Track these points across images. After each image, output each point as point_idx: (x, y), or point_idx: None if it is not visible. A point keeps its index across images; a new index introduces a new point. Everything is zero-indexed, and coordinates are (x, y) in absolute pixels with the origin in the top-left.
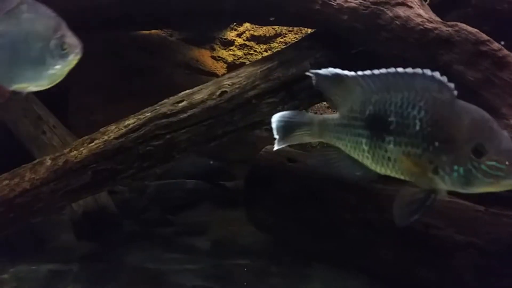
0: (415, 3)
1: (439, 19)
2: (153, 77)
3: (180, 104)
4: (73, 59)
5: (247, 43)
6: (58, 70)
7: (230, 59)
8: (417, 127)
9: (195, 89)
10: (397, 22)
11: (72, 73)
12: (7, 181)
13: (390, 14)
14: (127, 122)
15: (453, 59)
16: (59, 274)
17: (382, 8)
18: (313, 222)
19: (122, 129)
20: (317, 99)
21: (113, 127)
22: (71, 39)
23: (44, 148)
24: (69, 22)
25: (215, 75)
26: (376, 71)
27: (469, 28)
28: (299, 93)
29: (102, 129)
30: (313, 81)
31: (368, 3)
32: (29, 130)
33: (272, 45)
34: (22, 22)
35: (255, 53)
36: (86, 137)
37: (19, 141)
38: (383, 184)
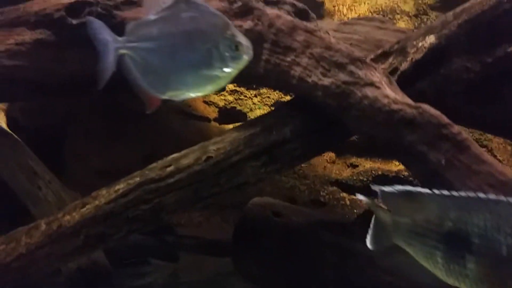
0: (383, 83)
1: (405, 100)
2: (148, 122)
3: (168, 169)
4: (245, 60)
5: (237, 89)
6: (228, 73)
7: (221, 104)
8: (504, 253)
9: (182, 153)
10: (366, 102)
11: (67, 119)
12: (3, 246)
13: (359, 94)
14: (117, 187)
15: (417, 140)
16: None
17: (352, 88)
18: (296, 277)
19: (112, 194)
20: (298, 161)
21: (104, 191)
22: (243, 39)
23: (39, 203)
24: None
25: (207, 119)
26: (454, 193)
27: (432, 111)
28: (280, 157)
29: (93, 194)
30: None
31: (340, 82)
32: (25, 186)
33: (261, 90)
34: (183, 21)
35: (245, 98)
36: (79, 201)
37: (16, 194)
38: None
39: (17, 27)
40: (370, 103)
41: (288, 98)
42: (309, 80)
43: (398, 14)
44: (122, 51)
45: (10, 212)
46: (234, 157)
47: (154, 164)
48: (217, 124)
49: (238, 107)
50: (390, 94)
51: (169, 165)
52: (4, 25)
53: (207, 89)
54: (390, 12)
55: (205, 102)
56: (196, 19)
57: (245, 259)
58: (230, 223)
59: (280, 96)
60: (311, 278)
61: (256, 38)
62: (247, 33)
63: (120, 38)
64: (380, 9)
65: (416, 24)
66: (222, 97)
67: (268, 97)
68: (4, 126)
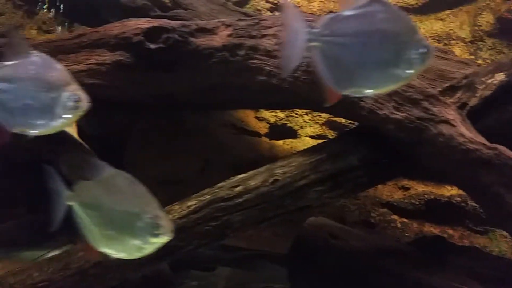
0: (458, 121)
1: (481, 140)
2: (202, 136)
3: (236, 189)
4: (425, 65)
5: None
6: (410, 74)
7: (272, 120)
8: None
9: (250, 174)
10: (441, 139)
11: (127, 130)
12: (82, 253)
13: (434, 131)
14: (189, 203)
15: (493, 181)
16: None
17: (426, 124)
18: None
19: (185, 210)
20: (362, 188)
21: (177, 207)
22: (427, 44)
23: None
24: None
25: (258, 134)
26: None
27: (509, 152)
28: (345, 183)
29: (167, 208)
30: None
31: (413, 117)
32: None
33: None
34: (377, 20)
35: (296, 115)
36: None
37: None
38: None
39: (98, 48)
40: (445, 141)
41: (339, 118)
42: (380, 112)
43: (453, 40)
44: (314, 43)
45: None
46: (300, 182)
47: (222, 183)
48: (267, 140)
49: (289, 124)
50: (465, 132)
51: (237, 185)
52: (87, 46)
53: (388, 88)
54: (445, 38)
55: (257, 117)
56: (390, 20)
57: (300, 276)
58: (281, 237)
59: (331, 116)
60: None
61: None
62: None
63: (314, 30)
64: (436, 34)
65: (472, 50)
66: (274, 114)
67: (319, 115)
68: (75, 135)
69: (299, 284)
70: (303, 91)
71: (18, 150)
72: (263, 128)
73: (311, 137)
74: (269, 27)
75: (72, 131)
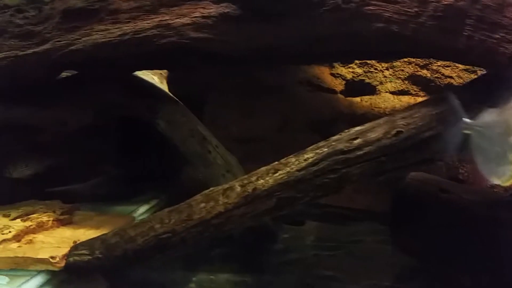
0: None
1: None
2: (279, 94)
3: (355, 141)
4: None
5: (367, 60)
6: None
7: (349, 76)
8: None
9: (367, 126)
10: None
11: (206, 89)
12: (203, 204)
13: None
14: (306, 156)
15: None
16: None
17: None
18: (464, 256)
19: (302, 163)
20: None
21: (293, 159)
22: None
23: (209, 165)
24: None
25: (334, 91)
26: None
27: None
28: None
29: (283, 161)
30: None
31: None
32: (196, 149)
33: (394, 63)
34: None
35: (376, 71)
36: (270, 167)
37: (185, 157)
38: None
39: (203, 0)
40: None
41: (424, 71)
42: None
43: None
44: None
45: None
46: (426, 133)
47: (338, 136)
48: (342, 97)
49: (367, 80)
50: None
51: (356, 138)
52: None
53: None
54: None
55: (332, 74)
56: None
57: (405, 233)
58: (362, 193)
59: (415, 70)
60: (487, 259)
61: (456, 13)
62: (446, 8)
63: (469, 121)
64: None
65: None
66: (350, 70)
67: (402, 70)
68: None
69: (403, 240)
70: (428, 39)
71: (113, 106)
72: (338, 85)
73: (392, 93)
74: None
75: (165, 87)
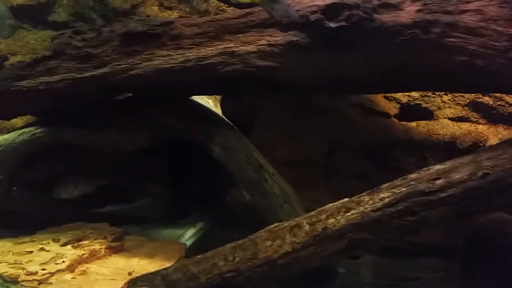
0: None
1: None
2: (330, 116)
3: (437, 182)
4: None
5: None
6: None
7: (404, 99)
8: None
9: (448, 165)
10: None
11: (255, 110)
12: (270, 242)
13: None
14: (381, 195)
15: None
16: None
17: None
18: None
19: (378, 202)
20: None
21: (367, 198)
22: None
23: (266, 195)
24: None
25: (388, 115)
26: None
27: None
28: None
29: (355, 199)
30: None
31: None
32: (252, 177)
33: None
34: None
35: (433, 95)
36: (340, 204)
37: (240, 185)
38: None
39: (269, 28)
40: None
41: (486, 98)
42: None
43: None
44: None
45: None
46: None
47: (416, 175)
48: (397, 121)
49: (424, 104)
50: None
51: (438, 178)
52: (256, 26)
53: None
54: None
55: (386, 97)
56: None
57: (478, 271)
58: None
59: (476, 96)
60: None
61: None
62: None
63: None
64: None
65: None
66: (406, 93)
67: (462, 96)
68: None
69: (476, 281)
70: None
71: (167, 130)
72: (392, 108)
73: (451, 119)
74: (469, 2)
75: (219, 111)
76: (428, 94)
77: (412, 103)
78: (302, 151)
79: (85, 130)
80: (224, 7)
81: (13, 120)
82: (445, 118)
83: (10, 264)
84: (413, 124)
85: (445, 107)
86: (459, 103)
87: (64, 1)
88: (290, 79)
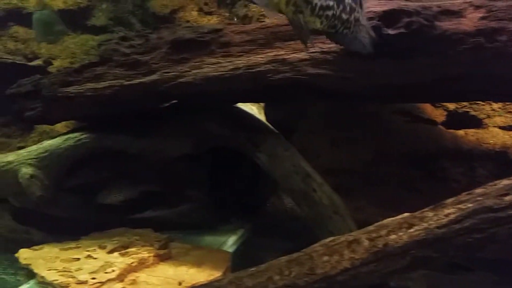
0: None
1: None
2: (374, 124)
3: (506, 198)
4: None
5: None
6: None
7: (451, 107)
8: None
9: None
10: None
11: (297, 116)
12: (326, 257)
13: None
14: (446, 211)
15: None
16: None
17: None
18: None
19: (442, 219)
20: None
21: (431, 214)
22: None
23: (314, 206)
24: None
25: (434, 123)
26: None
27: None
28: None
29: (417, 214)
30: None
31: None
32: (300, 187)
33: None
34: None
35: (482, 103)
36: (401, 220)
37: (290, 194)
38: None
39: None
40: None
41: None
42: None
43: None
44: None
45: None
46: None
47: (483, 190)
48: (444, 129)
49: (472, 112)
50: None
51: (507, 194)
52: None
53: None
54: None
55: (432, 104)
56: None
57: None
58: None
59: None
60: None
61: None
62: None
63: None
64: None
65: None
66: None
67: None
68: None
69: None
70: None
71: (212, 137)
72: (439, 115)
73: (502, 128)
74: None
75: (263, 118)
76: (477, 102)
77: (460, 111)
78: (344, 159)
79: (130, 136)
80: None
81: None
82: (495, 126)
83: (59, 271)
84: (461, 132)
85: (495, 115)
86: (510, 111)
87: (103, 5)
88: (343, 87)
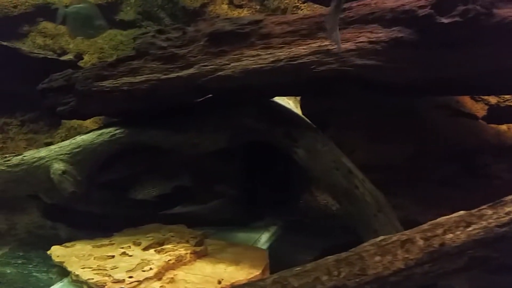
0: None
1: None
2: (412, 118)
3: None
4: None
5: None
6: None
7: (493, 101)
8: None
9: None
10: None
11: (330, 110)
12: (378, 257)
13: None
14: (507, 209)
15: None
16: None
17: None
18: None
19: (503, 217)
20: None
21: (490, 212)
22: None
23: (357, 203)
24: None
25: (475, 117)
26: None
27: None
28: None
29: (475, 212)
30: None
31: None
32: (341, 183)
33: None
34: None
35: None
36: (458, 218)
37: (330, 191)
38: None
39: (369, 24)
40: None
41: None
42: None
43: None
44: None
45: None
46: None
47: None
48: (485, 124)
49: None
50: None
51: None
52: (354, 22)
53: None
54: None
55: (473, 97)
56: None
57: None
58: None
59: None
60: None
61: None
62: None
63: None
64: None
65: None
66: None
67: None
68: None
69: None
70: None
71: (248, 131)
72: (480, 110)
73: None
74: None
75: (299, 112)
76: None
77: (502, 105)
78: (382, 154)
79: (165, 131)
80: (298, 4)
81: (80, 120)
82: None
83: (94, 270)
84: (504, 127)
85: None
86: None
87: (132, 0)
88: (392, 79)
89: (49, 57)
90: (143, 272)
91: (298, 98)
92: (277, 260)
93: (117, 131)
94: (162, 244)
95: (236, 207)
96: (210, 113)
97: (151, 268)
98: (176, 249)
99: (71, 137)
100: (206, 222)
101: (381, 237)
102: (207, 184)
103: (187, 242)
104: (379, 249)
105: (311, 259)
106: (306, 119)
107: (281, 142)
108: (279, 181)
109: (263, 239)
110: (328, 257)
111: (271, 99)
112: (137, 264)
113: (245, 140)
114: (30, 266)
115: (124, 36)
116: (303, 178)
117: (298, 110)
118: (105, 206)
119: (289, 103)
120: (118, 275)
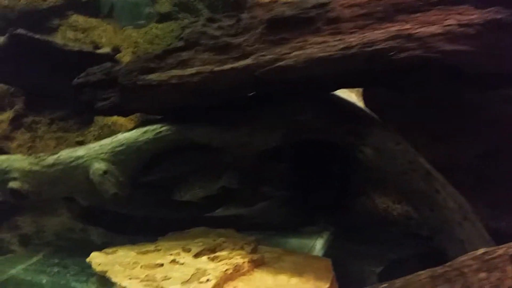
0: None
1: None
2: (483, 114)
3: None
4: None
5: None
6: None
7: None
8: None
9: None
10: None
11: (388, 105)
12: (483, 274)
13: None
14: None
15: None
16: None
17: None
18: None
19: None
20: None
21: None
22: None
23: (437, 209)
24: None
25: None
26: None
27: None
28: None
29: None
30: None
31: None
32: (420, 186)
33: None
34: None
35: None
36: None
37: (405, 195)
38: None
39: (457, 4)
40: None
41: None
42: None
43: None
44: None
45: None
46: None
47: None
48: None
49: None
50: None
51: None
52: (439, 3)
53: None
54: None
55: None
56: None
57: None
58: None
59: None
60: None
61: None
62: None
63: None
64: None
65: None
66: None
67: None
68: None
69: None
70: None
71: (306, 129)
72: None
73: None
74: None
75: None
76: None
77: None
78: (449, 154)
79: (215, 128)
80: None
81: (114, 118)
82: None
83: (142, 280)
84: None
85: None
86: None
87: None
88: (491, 67)
89: (84, 50)
90: (200, 284)
91: (361, 90)
92: (339, 270)
93: (163, 128)
94: (214, 251)
95: (285, 210)
96: (263, 109)
97: (208, 280)
98: (232, 257)
99: (104, 136)
100: (251, 226)
101: (483, 250)
102: (252, 185)
103: (242, 248)
104: (483, 264)
105: (380, 272)
106: (373, 114)
107: (343, 140)
108: (333, 182)
109: (318, 246)
110: (420, 272)
111: (332, 93)
112: (192, 275)
113: (301, 138)
114: (68, 275)
115: (160, 30)
116: (361, 180)
117: (362, 105)
118: (148, 208)
119: (352, 96)
120: (172, 287)
